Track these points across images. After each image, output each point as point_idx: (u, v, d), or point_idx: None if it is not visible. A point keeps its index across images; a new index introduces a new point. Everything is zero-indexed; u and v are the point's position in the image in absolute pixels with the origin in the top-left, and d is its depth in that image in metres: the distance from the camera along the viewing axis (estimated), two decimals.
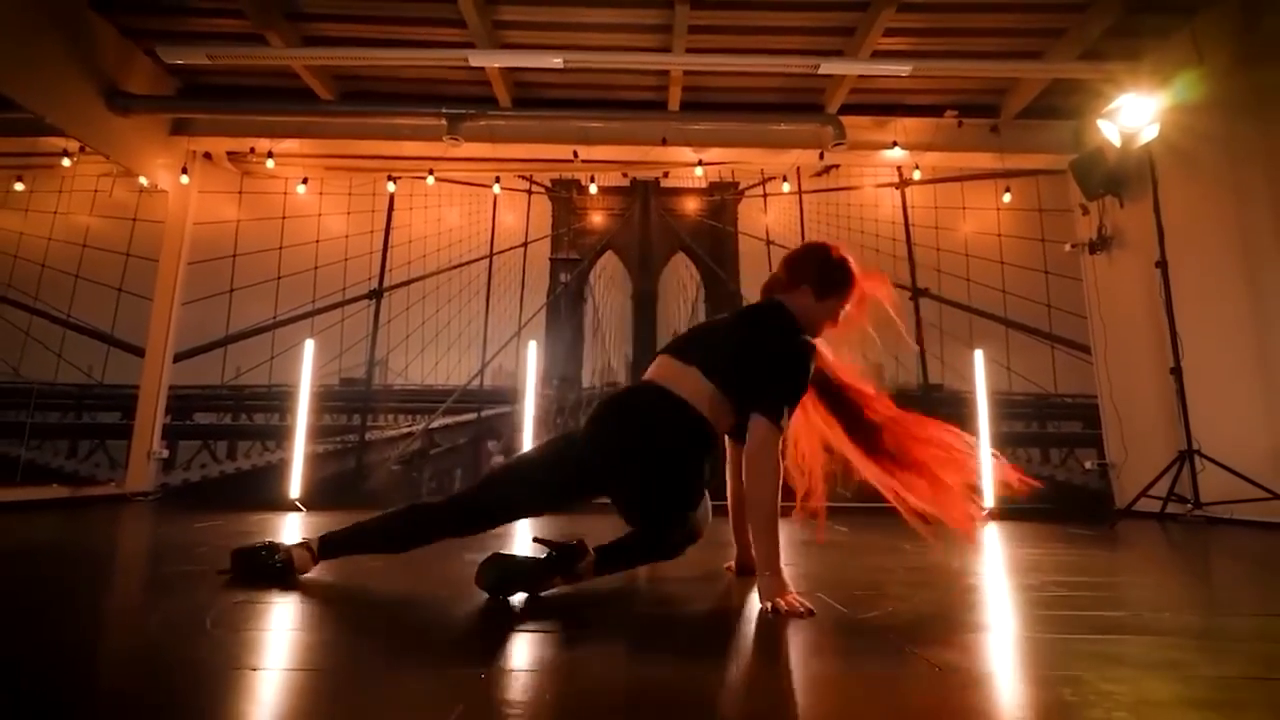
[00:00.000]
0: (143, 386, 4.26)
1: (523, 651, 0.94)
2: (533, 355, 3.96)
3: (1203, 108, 3.46)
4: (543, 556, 1.32)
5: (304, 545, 1.44)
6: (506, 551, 1.37)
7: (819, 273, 1.49)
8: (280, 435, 4.22)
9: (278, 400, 4.29)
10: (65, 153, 4.29)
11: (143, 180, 4.35)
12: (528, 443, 3.84)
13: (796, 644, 1.00)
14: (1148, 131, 3.40)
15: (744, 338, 1.39)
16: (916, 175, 4.53)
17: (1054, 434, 4.33)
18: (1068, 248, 4.45)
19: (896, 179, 4.65)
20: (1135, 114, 3.41)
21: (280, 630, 1.05)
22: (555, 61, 3.41)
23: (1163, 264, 3.46)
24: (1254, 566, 2.03)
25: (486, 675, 0.83)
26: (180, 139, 4.38)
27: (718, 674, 0.86)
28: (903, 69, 3.46)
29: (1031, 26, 3.72)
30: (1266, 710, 0.73)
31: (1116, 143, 3.50)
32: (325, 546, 1.45)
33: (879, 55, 3.84)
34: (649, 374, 1.45)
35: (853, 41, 3.78)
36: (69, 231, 4.56)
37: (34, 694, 0.75)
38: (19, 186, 4.52)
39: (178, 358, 4.40)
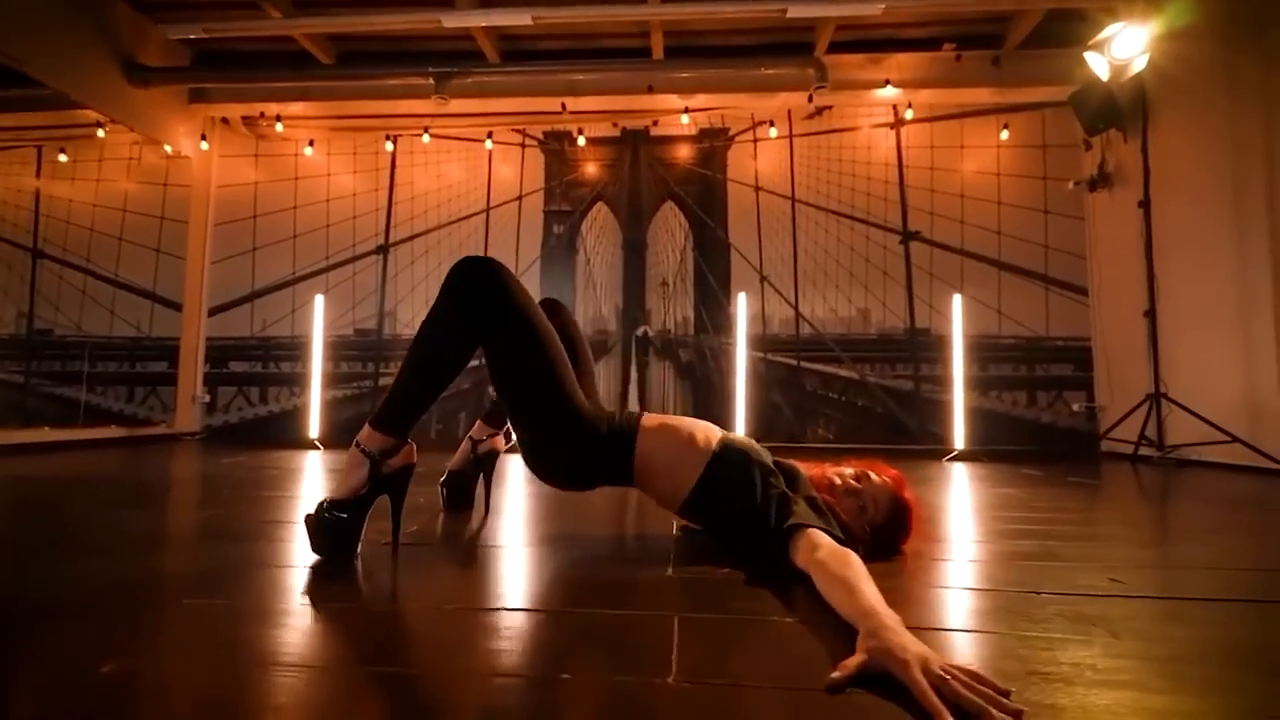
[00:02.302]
0: (183, 338, 4.73)
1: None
2: None
3: (1199, 34, 3.26)
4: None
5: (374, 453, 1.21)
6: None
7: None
8: (304, 382, 4.64)
9: (300, 350, 4.70)
10: (99, 124, 4.66)
11: (167, 148, 4.69)
12: None
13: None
14: (1138, 63, 3.25)
15: None
16: (909, 114, 4.42)
17: (1043, 377, 4.32)
18: (1070, 185, 4.30)
19: (891, 119, 4.54)
20: (1126, 44, 3.25)
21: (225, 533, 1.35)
22: (525, 19, 3.48)
23: (1145, 203, 3.36)
24: (1176, 501, 2.12)
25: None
26: (198, 107, 4.68)
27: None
28: (874, 8, 3.36)
29: None
30: None
31: (1104, 75, 3.35)
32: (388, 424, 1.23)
33: None
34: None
35: None
36: (110, 197, 5.00)
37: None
38: (62, 158, 4.96)
39: (212, 312, 4.85)
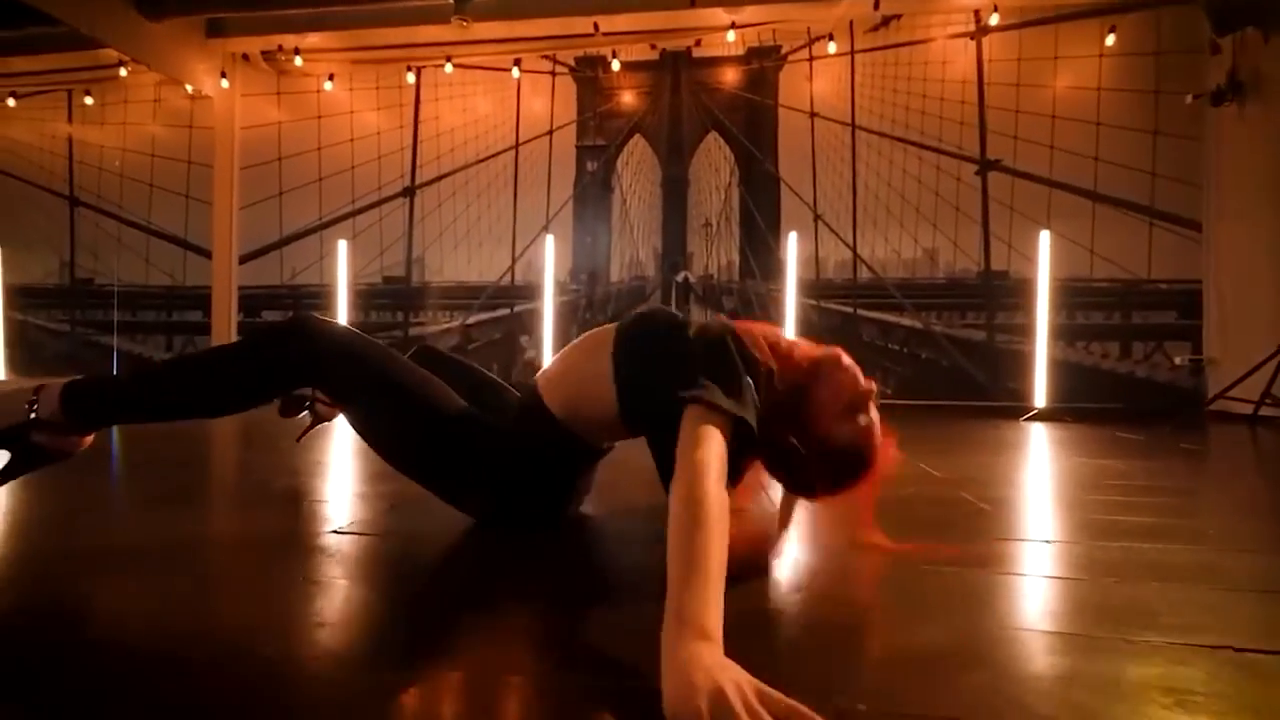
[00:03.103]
0: (215, 287, 4.66)
1: None
2: (550, 251, 3.90)
3: None
4: None
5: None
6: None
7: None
8: None
9: (329, 299, 4.55)
10: (121, 62, 4.50)
11: (188, 87, 4.51)
12: (548, 338, 3.89)
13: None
14: None
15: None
16: (994, 20, 3.80)
17: (1140, 325, 3.79)
18: (1189, 99, 3.64)
19: (971, 27, 3.93)
20: None
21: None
22: None
23: None
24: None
25: None
26: (216, 41, 4.45)
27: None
28: None
29: None
30: None
31: None
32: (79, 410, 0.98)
33: None
34: None
35: None
36: (138, 142, 4.89)
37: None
38: (88, 100, 4.86)
39: (242, 259, 4.74)
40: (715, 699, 0.47)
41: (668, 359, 0.90)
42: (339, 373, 1.01)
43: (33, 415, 0.96)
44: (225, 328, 4.67)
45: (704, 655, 0.52)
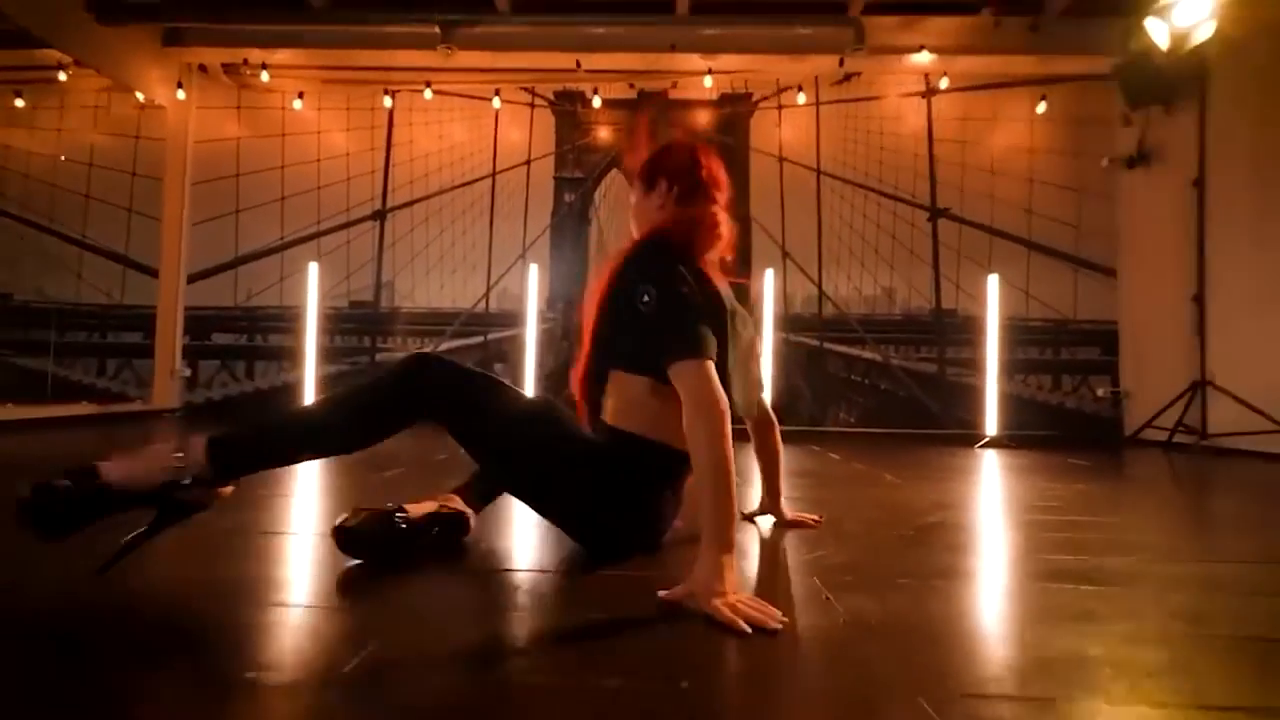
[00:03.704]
0: (160, 307, 4.36)
1: None
2: (533, 279, 3.93)
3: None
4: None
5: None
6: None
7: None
8: (295, 356, 4.32)
9: (290, 322, 4.37)
10: (60, 65, 4.20)
11: (139, 96, 4.27)
12: (530, 367, 3.89)
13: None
14: (1202, 30, 3.07)
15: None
16: (944, 84, 4.20)
17: (1068, 361, 4.22)
18: (1104, 163, 4.15)
19: (923, 87, 4.33)
20: (1190, 10, 3.07)
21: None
22: None
23: (1200, 183, 3.22)
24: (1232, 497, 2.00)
25: None
26: (174, 50, 4.25)
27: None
28: None
29: None
30: None
31: (1164, 45, 3.18)
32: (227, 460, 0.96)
33: None
34: None
35: None
36: (75, 150, 4.55)
37: None
38: (19, 102, 4.49)
39: (191, 279, 4.47)
40: (720, 595, 0.85)
41: (616, 338, 1.15)
42: (474, 394, 1.12)
43: (184, 476, 0.94)
44: (170, 350, 4.38)
45: (722, 575, 0.87)
